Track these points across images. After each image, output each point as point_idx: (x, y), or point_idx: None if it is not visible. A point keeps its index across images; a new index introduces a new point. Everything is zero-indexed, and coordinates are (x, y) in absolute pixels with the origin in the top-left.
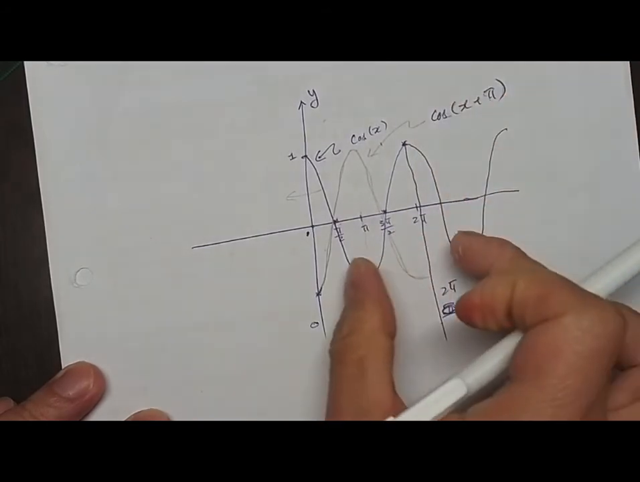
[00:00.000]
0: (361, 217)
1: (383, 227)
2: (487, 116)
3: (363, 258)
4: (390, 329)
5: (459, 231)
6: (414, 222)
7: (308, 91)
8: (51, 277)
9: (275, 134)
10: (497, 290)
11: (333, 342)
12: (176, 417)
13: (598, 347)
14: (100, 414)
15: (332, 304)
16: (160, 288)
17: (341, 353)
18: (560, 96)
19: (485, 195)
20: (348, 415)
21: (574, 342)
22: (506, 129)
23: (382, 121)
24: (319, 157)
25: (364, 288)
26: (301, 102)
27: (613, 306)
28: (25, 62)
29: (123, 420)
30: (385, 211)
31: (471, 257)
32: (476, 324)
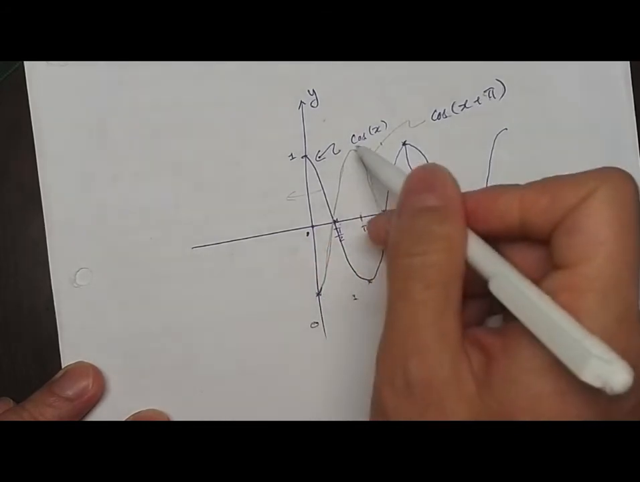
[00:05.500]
0: (361, 217)
1: None
2: (487, 116)
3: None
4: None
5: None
6: None
7: (308, 91)
8: (51, 277)
9: (275, 134)
10: (506, 195)
11: (406, 255)
12: (176, 417)
13: (630, 210)
14: (99, 414)
15: (332, 304)
16: (160, 288)
17: (422, 272)
18: (560, 96)
19: None
20: (429, 336)
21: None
22: (506, 129)
23: (382, 121)
24: (319, 157)
25: (447, 195)
26: (301, 101)
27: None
28: (25, 62)
29: (123, 420)
30: (385, 211)
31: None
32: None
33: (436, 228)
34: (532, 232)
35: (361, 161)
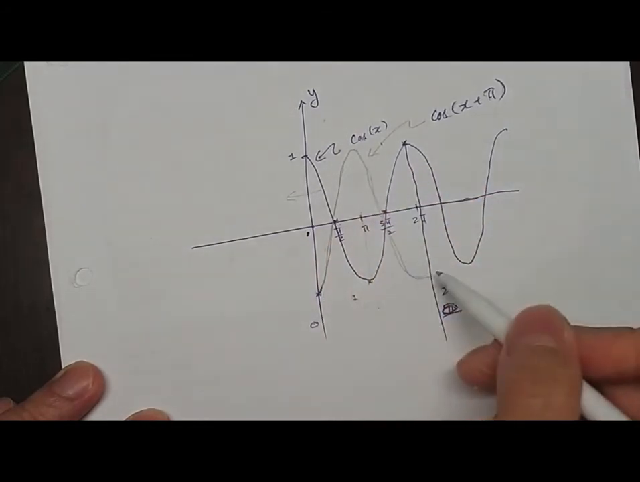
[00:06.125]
0: (361, 217)
1: (383, 227)
2: (487, 116)
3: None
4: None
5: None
6: (414, 222)
7: (308, 91)
8: (51, 277)
9: (275, 134)
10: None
11: (528, 395)
12: (176, 417)
13: None
14: (99, 414)
15: (332, 304)
16: (160, 288)
17: (543, 414)
18: (559, 96)
19: (485, 195)
20: None
21: None
22: (506, 129)
23: (382, 121)
24: (319, 157)
25: (565, 338)
26: (301, 101)
27: None
28: (25, 62)
29: (123, 420)
30: (385, 211)
31: None
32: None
33: (559, 370)
34: None
35: (448, 290)
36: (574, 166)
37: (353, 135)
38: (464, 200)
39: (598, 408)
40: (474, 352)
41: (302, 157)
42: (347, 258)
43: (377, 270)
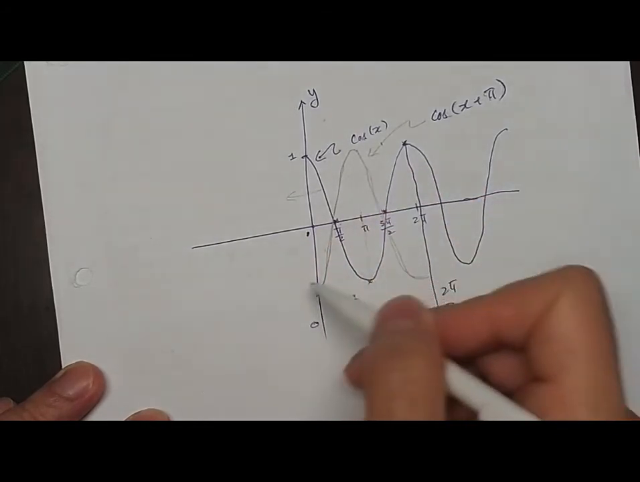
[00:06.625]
0: (361, 217)
1: (383, 227)
2: (487, 116)
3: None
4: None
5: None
6: (414, 222)
7: (308, 91)
8: (51, 277)
9: (275, 134)
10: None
11: (385, 371)
12: (176, 417)
13: (599, 310)
14: (100, 414)
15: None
16: (160, 288)
17: (405, 389)
18: (559, 96)
19: (485, 195)
20: None
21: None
22: (506, 129)
23: (382, 121)
24: (319, 157)
25: (422, 318)
26: (301, 101)
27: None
28: (25, 62)
29: (123, 420)
30: (385, 211)
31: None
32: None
33: (415, 344)
34: (507, 343)
35: (318, 298)
36: (574, 166)
37: (353, 135)
38: (464, 200)
39: (470, 390)
40: (356, 356)
41: (302, 157)
42: (347, 258)
43: (377, 270)
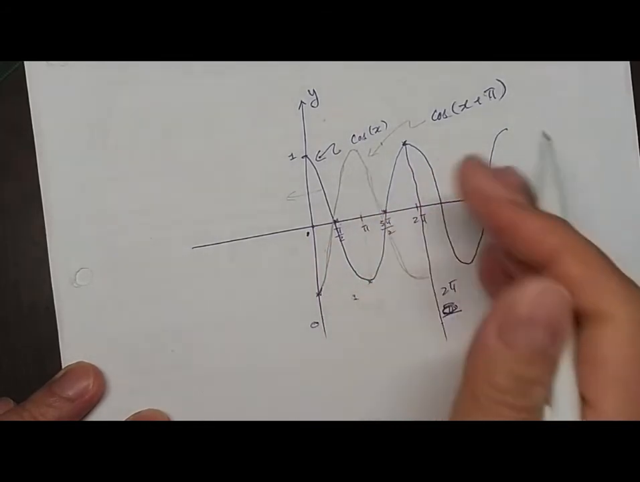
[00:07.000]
0: (361, 217)
1: (383, 227)
2: (487, 116)
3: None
4: None
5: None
6: (414, 222)
7: (308, 91)
8: (51, 277)
9: (275, 134)
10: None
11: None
12: (176, 417)
13: None
14: (100, 414)
15: (332, 304)
16: (160, 288)
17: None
18: (560, 96)
19: None
20: None
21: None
22: (506, 129)
23: (382, 121)
24: (319, 157)
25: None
26: (301, 101)
27: None
28: (25, 62)
29: (123, 420)
30: (385, 211)
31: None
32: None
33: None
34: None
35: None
36: (574, 166)
37: (353, 135)
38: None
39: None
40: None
41: (302, 157)
42: (347, 258)
43: (377, 270)
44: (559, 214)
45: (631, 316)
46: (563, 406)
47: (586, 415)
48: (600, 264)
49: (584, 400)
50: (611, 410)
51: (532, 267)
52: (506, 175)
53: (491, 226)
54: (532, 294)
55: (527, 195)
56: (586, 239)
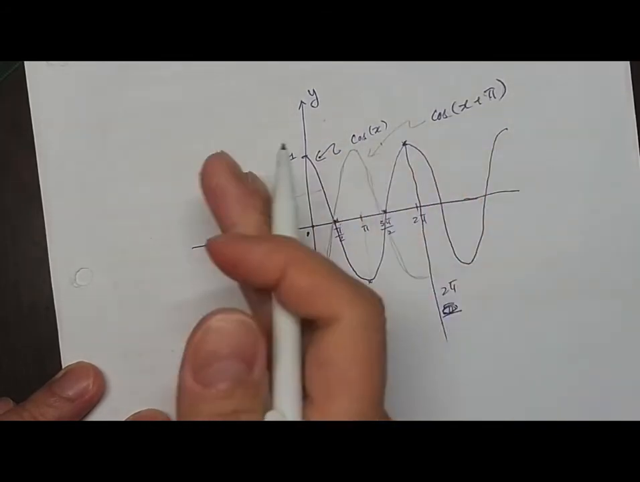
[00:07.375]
0: (361, 217)
1: (383, 227)
2: (487, 116)
3: None
4: None
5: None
6: (414, 222)
7: (308, 91)
8: (51, 277)
9: (275, 134)
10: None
11: None
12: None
13: (378, 341)
14: (100, 414)
15: None
16: (160, 288)
17: None
18: (560, 96)
19: (485, 195)
20: None
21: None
22: (506, 129)
23: (382, 121)
24: (319, 157)
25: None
26: (301, 101)
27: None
28: (25, 62)
29: (123, 420)
30: (385, 211)
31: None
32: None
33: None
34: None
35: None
36: (574, 166)
37: (353, 135)
38: (464, 200)
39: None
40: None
41: (302, 157)
42: (347, 258)
43: (377, 270)
44: (290, 224)
45: (357, 318)
46: (286, 409)
47: (311, 415)
48: (326, 272)
49: (312, 401)
50: (336, 409)
51: (266, 290)
52: (247, 179)
53: (221, 267)
54: (214, 328)
55: (263, 202)
56: (312, 251)
